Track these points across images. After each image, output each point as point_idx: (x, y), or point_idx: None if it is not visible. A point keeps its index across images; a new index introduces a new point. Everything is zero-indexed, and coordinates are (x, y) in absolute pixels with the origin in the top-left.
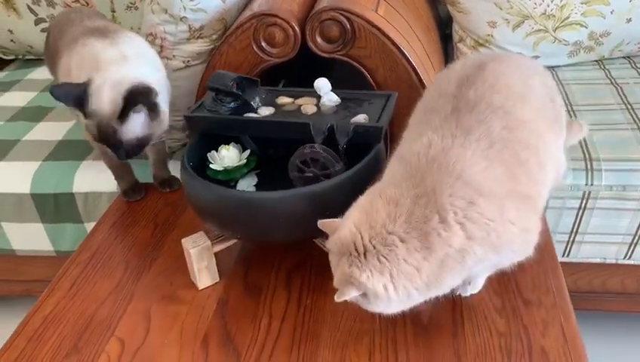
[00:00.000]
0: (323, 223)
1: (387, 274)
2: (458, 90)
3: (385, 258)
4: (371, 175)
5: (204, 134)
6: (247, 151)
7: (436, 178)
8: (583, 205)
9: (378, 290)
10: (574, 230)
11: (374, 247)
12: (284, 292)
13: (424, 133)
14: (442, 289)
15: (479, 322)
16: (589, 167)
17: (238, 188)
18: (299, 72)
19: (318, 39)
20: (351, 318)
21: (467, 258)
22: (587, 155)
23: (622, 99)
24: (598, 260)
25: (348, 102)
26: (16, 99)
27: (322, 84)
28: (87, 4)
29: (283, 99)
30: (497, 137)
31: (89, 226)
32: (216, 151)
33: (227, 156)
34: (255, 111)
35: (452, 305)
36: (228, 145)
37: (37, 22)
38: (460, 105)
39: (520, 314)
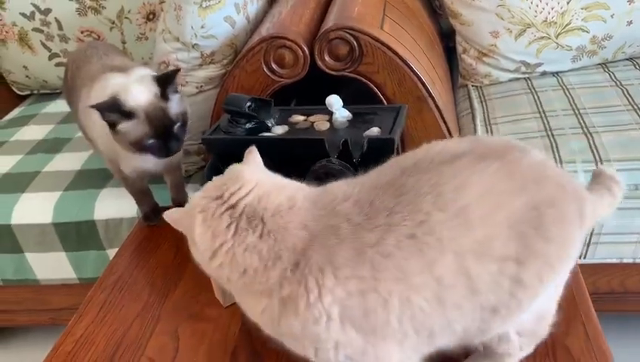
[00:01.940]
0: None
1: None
2: (411, 167)
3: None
4: None
5: (222, 155)
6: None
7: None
8: None
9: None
10: (590, 232)
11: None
12: None
13: (351, 183)
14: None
15: None
16: None
17: None
18: (309, 90)
19: (327, 58)
20: None
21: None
22: (597, 157)
23: (628, 100)
24: (614, 260)
25: (359, 116)
26: (34, 132)
27: (333, 101)
28: (99, 37)
29: (296, 118)
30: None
31: (111, 252)
32: None
33: None
34: (270, 130)
35: None
36: None
37: (51, 57)
38: (395, 183)
39: None
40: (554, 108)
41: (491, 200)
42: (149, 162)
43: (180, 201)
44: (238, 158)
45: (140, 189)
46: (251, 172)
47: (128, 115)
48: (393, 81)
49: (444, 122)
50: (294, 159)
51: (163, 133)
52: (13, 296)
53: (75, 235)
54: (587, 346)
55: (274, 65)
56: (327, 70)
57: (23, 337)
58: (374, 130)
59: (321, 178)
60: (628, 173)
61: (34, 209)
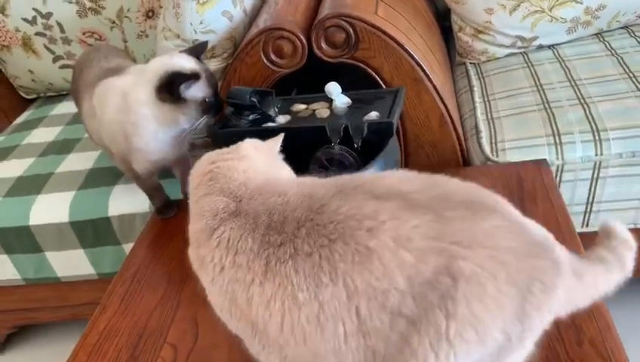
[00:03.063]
0: None
1: None
2: (348, 189)
3: None
4: (392, 162)
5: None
6: None
7: None
8: (595, 175)
9: None
10: (590, 200)
11: None
12: None
13: (301, 184)
14: None
15: None
16: (597, 138)
17: None
18: (310, 79)
19: (324, 46)
20: None
21: None
22: (594, 127)
23: (624, 69)
24: None
25: (359, 102)
26: (44, 134)
27: (333, 88)
28: (100, 37)
29: (298, 107)
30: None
31: (127, 247)
32: None
33: None
34: (273, 120)
35: None
36: None
37: (55, 60)
38: (322, 199)
39: None
40: (551, 80)
41: (401, 253)
42: (159, 154)
43: None
44: None
45: (152, 185)
46: (250, 148)
47: (195, 76)
48: (390, 64)
49: (443, 102)
50: (298, 147)
51: (216, 92)
52: (34, 294)
53: (92, 232)
54: (586, 310)
55: (273, 57)
56: (325, 58)
57: (46, 333)
58: (373, 115)
59: (325, 164)
60: (625, 140)
61: (50, 209)
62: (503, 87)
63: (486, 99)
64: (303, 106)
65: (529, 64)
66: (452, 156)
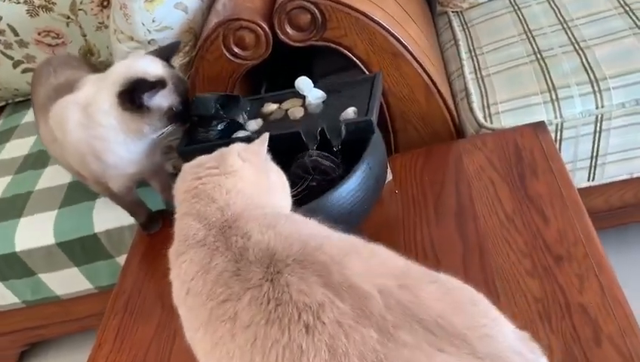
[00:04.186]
0: None
1: None
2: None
3: None
4: (378, 161)
5: None
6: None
7: None
8: (598, 129)
9: None
10: (594, 154)
11: None
12: None
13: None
14: None
15: (514, 291)
16: (596, 88)
17: None
18: (283, 67)
19: (289, 30)
20: None
21: None
22: (592, 76)
23: (618, 1)
24: (625, 176)
25: (333, 94)
26: (19, 147)
27: (303, 84)
28: (58, 35)
29: (269, 107)
30: None
31: (121, 259)
32: None
33: None
34: (244, 127)
35: (484, 276)
36: None
37: (15, 65)
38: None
39: (553, 274)
40: (540, 25)
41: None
42: (135, 166)
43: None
44: None
45: (132, 201)
46: (237, 160)
47: (161, 83)
48: (364, 40)
49: (426, 72)
50: (275, 155)
51: (185, 98)
52: (38, 313)
53: (81, 250)
54: (603, 301)
55: (236, 49)
56: (291, 43)
57: (58, 347)
58: (351, 112)
59: (306, 172)
60: (627, 88)
61: (35, 232)
62: (489, 37)
63: (473, 54)
64: (274, 106)
65: (515, 7)
66: (443, 127)
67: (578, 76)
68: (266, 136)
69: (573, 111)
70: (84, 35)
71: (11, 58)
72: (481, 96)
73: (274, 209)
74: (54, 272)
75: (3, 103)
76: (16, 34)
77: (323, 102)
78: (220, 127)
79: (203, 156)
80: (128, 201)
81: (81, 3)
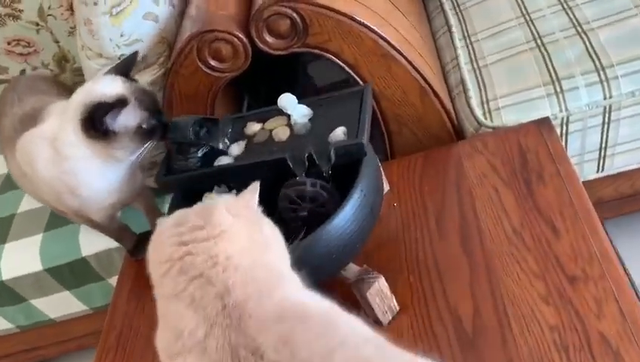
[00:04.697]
0: None
1: None
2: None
3: None
4: (372, 185)
5: (183, 192)
6: (234, 193)
7: None
8: (606, 120)
9: None
10: (603, 146)
11: None
12: None
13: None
14: None
15: (527, 317)
16: (603, 77)
17: None
18: (265, 77)
19: (268, 39)
20: None
21: None
22: (598, 64)
23: None
24: (636, 166)
25: (320, 111)
26: None
27: (287, 102)
28: (29, 43)
29: (252, 127)
30: None
31: (113, 280)
32: (201, 201)
33: None
34: (225, 152)
35: (493, 301)
36: (212, 191)
37: None
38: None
39: (568, 297)
40: (539, 6)
41: None
42: (114, 195)
43: None
44: (201, 193)
45: (117, 229)
46: (226, 217)
47: (121, 102)
48: (350, 45)
49: (419, 72)
50: (261, 182)
51: (155, 110)
52: (35, 336)
53: (71, 275)
54: (624, 328)
55: (212, 62)
56: (272, 51)
57: None
58: (340, 133)
59: (294, 201)
60: (636, 75)
61: (21, 259)
62: (485, 22)
63: (468, 41)
64: (258, 127)
65: None
66: (441, 128)
67: (583, 64)
68: (256, 185)
69: (580, 104)
70: (57, 42)
71: None
72: (480, 90)
73: (276, 276)
74: (46, 297)
75: None
76: None
77: (310, 119)
78: (200, 153)
79: (183, 211)
80: (113, 229)
81: (49, 8)
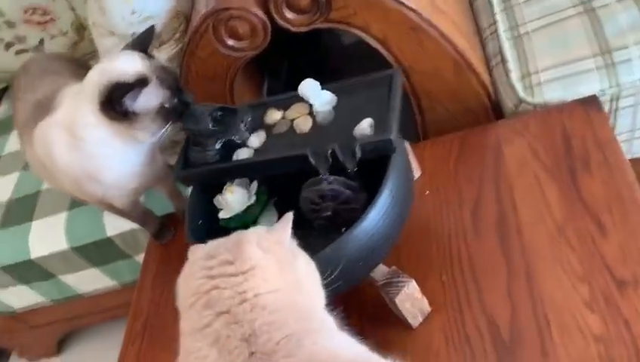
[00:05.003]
0: None
1: None
2: None
3: None
4: (401, 184)
5: (201, 186)
6: (255, 185)
7: None
8: None
9: None
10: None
11: None
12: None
13: None
14: None
15: (569, 326)
16: None
17: None
18: (286, 54)
19: (288, 15)
20: (422, 354)
21: None
22: None
23: None
24: None
25: (345, 98)
26: None
27: (309, 90)
28: (45, 11)
29: (272, 116)
30: None
31: (139, 258)
32: (221, 193)
33: (233, 201)
34: (245, 143)
35: (532, 307)
36: (232, 183)
37: (7, 47)
38: None
39: (616, 304)
40: None
41: None
42: (137, 179)
43: (184, 208)
44: (219, 186)
45: (140, 213)
46: (257, 252)
47: (141, 81)
48: (377, 18)
49: (452, 45)
50: (281, 178)
51: (177, 89)
52: (69, 308)
53: (97, 253)
54: None
55: (230, 42)
56: (293, 28)
57: (92, 333)
58: (366, 126)
59: (316, 202)
60: None
61: (47, 238)
62: None
63: (507, 4)
64: (278, 115)
65: None
66: (477, 104)
67: (638, 33)
68: (289, 217)
69: (632, 78)
70: (73, 9)
71: (1, 40)
72: (520, 62)
73: (307, 320)
74: (75, 273)
75: (4, 84)
76: (2, 14)
77: (333, 107)
78: (218, 144)
79: (215, 243)
80: (136, 214)
81: None
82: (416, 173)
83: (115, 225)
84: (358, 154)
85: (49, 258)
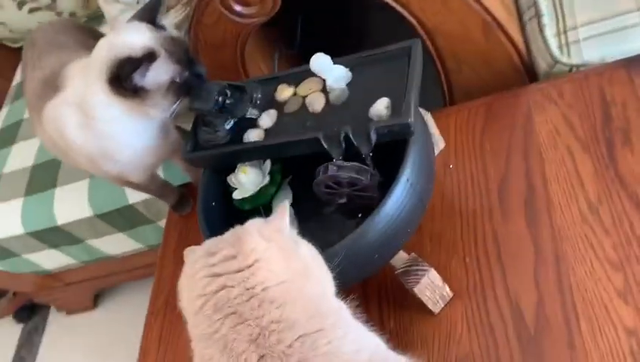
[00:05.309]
0: None
1: None
2: None
3: None
4: (421, 169)
5: (212, 168)
6: (268, 164)
7: None
8: None
9: None
10: None
11: None
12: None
13: None
14: None
15: (600, 318)
16: None
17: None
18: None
19: None
20: (443, 340)
21: None
22: None
23: None
24: None
25: (360, 72)
26: None
27: (320, 66)
28: None
29: (283, 92)
30: None
31: (163, 223)
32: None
33: (247, 181)
34: (256, 123)
35: (560, 295)
36: (245, 163)
37: (19, 6)
38: None
39: None
40: None
41: None
42: (152, 154)
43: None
44: (231, 168)
45: (158, 186)
46: (259, 243)
47: (150, 56)
48: None
49: (479, 2)
50: (294, 161)
51: (188, 61)
52: (100, 267)
53: (122, 219)
54: None
55: (237, 8)
56: None
57: (126, 289)
58: (382, 107)
59: (330, 186)
60: None
61: (72, 205)
62: None
63: None
64: (289, 91)
65: None
66: (507, 65)
67: None
68: (285, 205)
69: None
70: None
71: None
72: (556, 16)
73: (319, 315)
74: (101, 238)
75: (21, 44)
76: None
77: (348, 85)
78: (227, 125)
79: (213, 240)
80: (154, 187)
81: None
82: (440, 144)
83: (136, 193)
84: (374, 138)
85: (75, 224)
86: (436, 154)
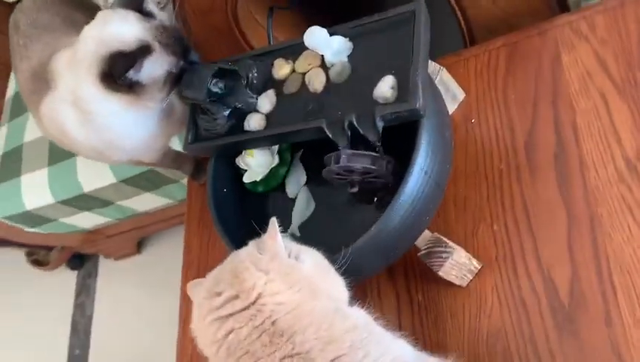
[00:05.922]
0: None
1: None
2: None
3: None
4: (436, 155)
5: (215, 157)
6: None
7: None
8: None
9: None
10: None
11: None
12: (391, 290)
13: None
14: None
15: (637, 288)
16: None
17: (289, 194)
18: None
19: None
20: (474, 314)
21: None
22: None
23: None
24: None
25: (361, 43)
26: None
27: (316, 41)
28: None
29: (281, 70)
30: None
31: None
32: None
33: (255, 164)
34: (255, 107)
35: (596, 264)
36: None
37: None
38: None
39: None
40: None
41: None
42: (159, 137)
43: None
44: (234, 154)
45: (173, 159)
46: (256, 274)
47: (144, 50)
48: None
49: None
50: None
51: (183, 50)
52: (137, 221)
53: (147, 181)
54: None
55: None
56: None
57: (168, 234)
58: (386, 88)
59: (340, 173)
60: None
61: (94, 173)
62: None
63: None
64: (287, 69)
65: None
66: None
67: None
68: (273, 222)
69: None
70: None
71: None
72: None
73: (332, 331)
74: (130, 199)
75: None
76: None
77: (349, 58)
78: (226, 111)
79: (210, 276)
80: (168, 161)
81: None
82: (460, 96)
83: None
84: (380, 125)
85: (101, 190)
86: (455, 107)
